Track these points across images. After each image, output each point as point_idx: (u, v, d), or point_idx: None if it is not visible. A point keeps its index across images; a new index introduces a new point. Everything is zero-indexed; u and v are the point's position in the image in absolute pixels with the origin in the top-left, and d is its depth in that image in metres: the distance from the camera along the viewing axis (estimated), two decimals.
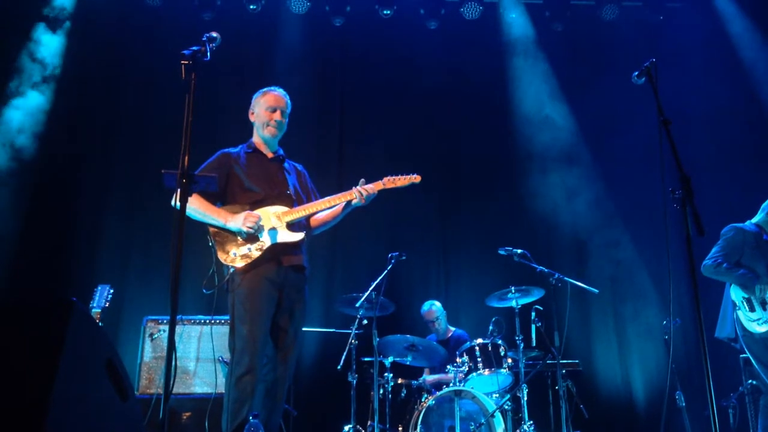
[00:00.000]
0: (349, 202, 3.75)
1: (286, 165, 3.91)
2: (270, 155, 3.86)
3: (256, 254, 3.54)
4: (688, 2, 7.31)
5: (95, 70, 6.77)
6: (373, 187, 3.73)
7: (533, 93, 7.10)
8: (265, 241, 3.57)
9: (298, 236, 3.66)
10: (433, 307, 6.15)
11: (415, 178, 3.84)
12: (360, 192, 3.69)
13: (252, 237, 3.55)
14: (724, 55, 7.00)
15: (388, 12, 7.17)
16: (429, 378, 5.68)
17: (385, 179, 3.80)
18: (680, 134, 3.17)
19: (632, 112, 6.68)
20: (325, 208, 3.77)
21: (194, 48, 2.81)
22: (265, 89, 3.93)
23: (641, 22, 7.35)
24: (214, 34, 2.95)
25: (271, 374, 3.56)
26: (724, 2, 7.11)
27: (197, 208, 3.56)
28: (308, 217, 3.83)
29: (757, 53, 6.88)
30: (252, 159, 3.81)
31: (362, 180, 3.74)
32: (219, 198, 3.71)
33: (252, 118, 3.91)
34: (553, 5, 7.28)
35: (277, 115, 3.82)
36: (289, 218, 3.65)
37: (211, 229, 3.59)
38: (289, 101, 3.91)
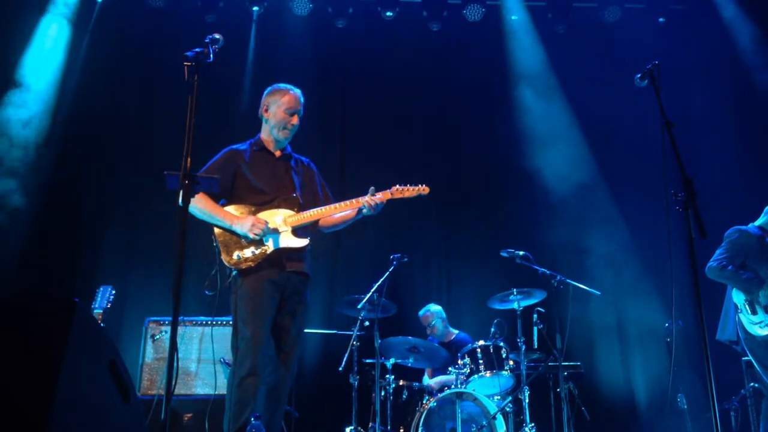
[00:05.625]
0: (359, 210, 3.71)
1: (292, 163, 3.89)
2: (278, 153, 3.84)
3: (259, 258, 3.53)
4: (690, 4, 7.31)
5: (98, 70, 6.77)
6: (382, 197, 3.69)
7: (535, 94, 7.10)
8: (270, 244, 3.57)
9: (303, 242, 3.65)
10: (428, 312, 6.11)
11: (424, 189, 3.78)
12: (370, 203, 3.65)
13: (257, 240, 3.55)
14: (727, 58, 6.99)
15: (391, 14, 7.17)
16: (433, 382, 5.67)
17: (394, 189, 3.75)
18: (683, 137, 3.17)
19: (634, 115, 6.68)
20: (332, 214, 3.75)
21: (197, 49, 2.81)
22: (282, 87, 3.84)
23: (643, 24, 7.35)
24: (217, 36, 2.95)
25: (273, 376, 3.56)
26: (727, 5, 7.10)
27: (203, 208, 3.56)
28: (316, 220, 3.81)
29: (760, 56, 6.87)
30: (259, 158, 3.79)
31: (372, 188, 3.69)
32: (224, 196, 3.71)
33: (265, 115, 3.83)
34: (556, 7, 7.27)
35: (294, 120, 3.78)
36: (295, 222, 3.65)
37: (216, 231, 3.59)
38: (303, 101, 3.86)
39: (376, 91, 7.24)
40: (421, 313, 6.15)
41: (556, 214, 6.77)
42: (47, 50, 6.68)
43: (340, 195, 3.83)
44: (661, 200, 2.94)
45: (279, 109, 3.78)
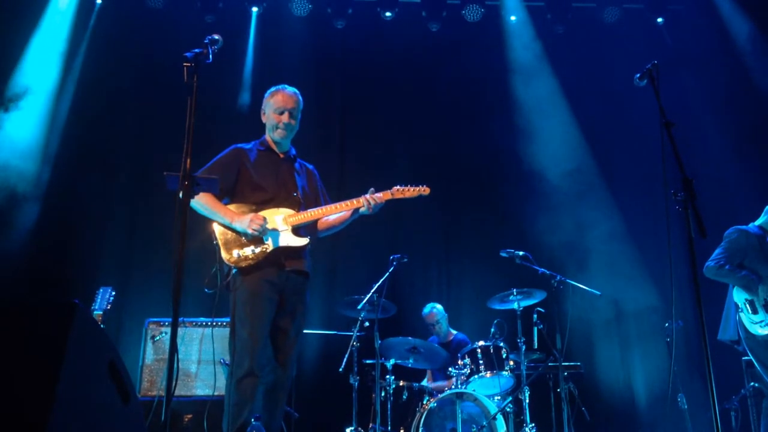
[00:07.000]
0: (356, 209, 3.73)
1: (296, 165, 3.90)
2: (281, 155, 3.86)
3: (259, 256, 3.54)
4: (689, 4, 7.31)
5: (96, 72, 6.77)
6: (382, 197, 3.71)
7: (535, 95, 7.10)
8: (270, 243, 3.58)
9: (303, 241, 3.66)
10: (434, 309, 6.13)
11: (424, 190, 3.81)
12: (368, 201, 3.68)
13: (257, 239, 3.55)
14: (726, 57, 6.99)
15: (390, 14, 7.18)
16: (433, 385, 5.67)
17: (394, 189, 3.77)
18: (682, 136, 3.17)
19: (634, 115, 6.68)
20: (332, 214, 3.77)
21: (196, 50, 2.81)
22: (275, 88, 3.87)
23: (643, 24, 7.36)
24: (216, 37, 2.95)
25: (271, 376, 3.56)
26: (726, 4, 7.10)
27: (205, 204, 3.57)
28: (315, 221, 3.82)
29: (759, 55, 6.87)
30: (263, 157, 3.81)
31: (372, 189, 3.72)
32: (227, 194, 3.72)
33: (263, 119, 3.88)
34: (555, 7, 7.28)
35: (285, 118, 3.79)
36: (295, 222, 3.66)
37: (216, 228, 3.60)
38: (299, 99, 3.86)
39: (375, 92, 7.24)
40: (426, 311, 6.15)
41: (556, 215, 6.77)
42: (46, 51, 6.67)
43: (339, 193, 3.83)
44: (662, 200, 2.94)
45: (270, 110, 3.83)
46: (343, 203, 3.73)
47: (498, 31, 7.32)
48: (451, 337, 6.12)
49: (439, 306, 6.17)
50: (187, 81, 2.74)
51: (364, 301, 5.01)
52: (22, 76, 6.52)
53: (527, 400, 4.95)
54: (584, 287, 5.13)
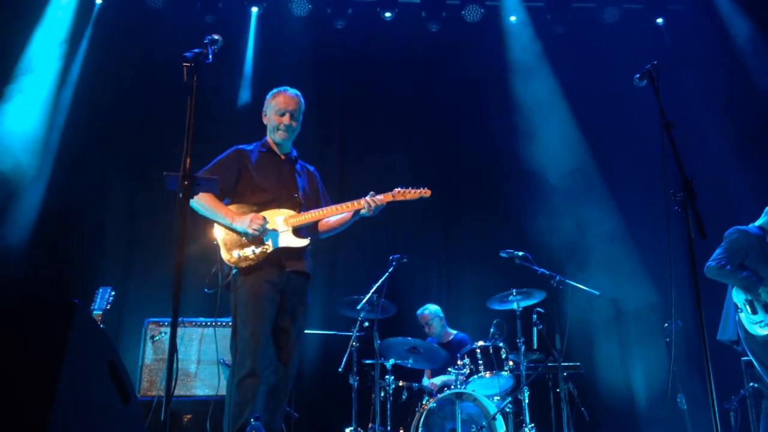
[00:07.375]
0: (357, 211, 3.74)
1: (297, 167, 3.91)
2: (283, 156, 3.86)
3: (260, 257, 3.54)
4: (689, 4, 7.32)
5: (96, 72, 6.77)
6: (383, 199, 3.72)
7: (535, 95, 7.10)
8: (270, 244, 3.58)
9: (304, 242, 3.66)
10: (426, 311, 6.13)
11: (425, 192, 3.81)
12: (369, 203, 3.68)
13: (257, 239, 3.55)
14: (726, 57, 6.99)
15: (390, 14, 7.18)
16: (436, 380, 5.67)
17: (395, 191, 3.77)
18: (682, 137, 3.17)
19: (634, 115, 6.68)
20: (333, 215, 3.78)
21: (196, 50, 2.81)
22: (276, 90, 3.88)
23: (643, 24, 7.36)
24: (216, 37, 2.96)
25: (273, 376, 3.57)
26: (726, 4, 7.10)
27: (205, 204, 3.58)
28: (316, 222, 3.82)
29: (759, 55, 6.87)
30: (265, 158, 3.81)
31: (372, 192, 3.73)
32: (228, 195, 3.72)
33: (264, 120, 3.89)
34: (555, 8, 7.28)
35: (286, 119, 3.80)
36: (296, 222, 3.66)
37: (217, 229, 3.60)
38: (301, 101, 3.86)
39: (375, 92, 7.24)
40: (419, 312, 6.17)
41: (555, 215, 6.77)
42: (46, 50, 6.66)
43: (339, 194, 3.83)
44: (662, 200, 2.94)
45: (271, 112, 3.84)
46: (343, 205, 3.73)
47: (498, 31, 7.32)
48: (450, 337, 6.11)
49: (432, 307, 6.16)
50: (186, 81, 2.74)
51: (364, 301, 5.01)
52: (21, 74, 6.52)
53: (527, 401, 4.96)
54: (584, 287, 5.13)
